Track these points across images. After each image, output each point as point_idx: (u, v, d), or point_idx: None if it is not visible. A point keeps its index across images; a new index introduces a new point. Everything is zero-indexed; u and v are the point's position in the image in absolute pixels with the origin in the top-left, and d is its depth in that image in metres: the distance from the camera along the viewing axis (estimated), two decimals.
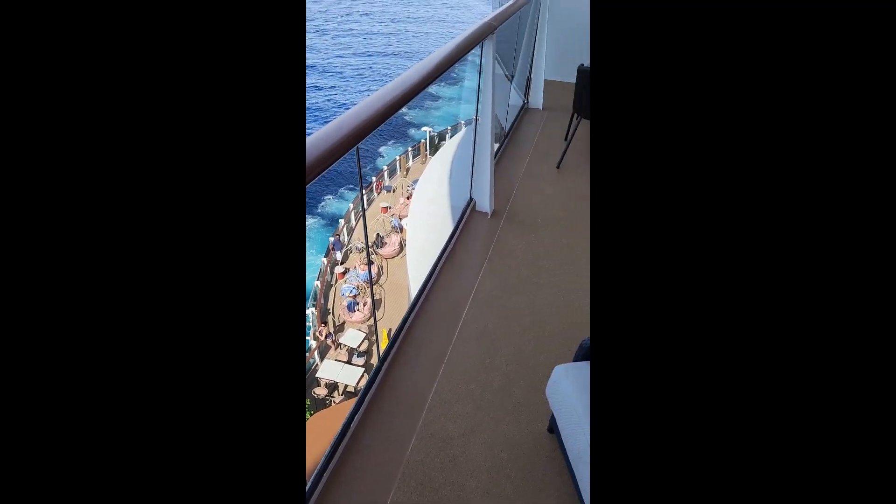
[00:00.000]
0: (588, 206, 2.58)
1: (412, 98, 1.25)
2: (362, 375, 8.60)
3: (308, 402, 8.34)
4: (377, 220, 11.87)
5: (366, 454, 1.38)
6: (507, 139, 3.32)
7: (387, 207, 12.25)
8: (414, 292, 2.00)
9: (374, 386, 1.56)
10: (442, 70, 1.50)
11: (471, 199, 2.50)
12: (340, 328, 9.84)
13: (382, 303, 9.36)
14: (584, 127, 3.37)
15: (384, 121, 1.10)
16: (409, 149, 14.67)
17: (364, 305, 10.06)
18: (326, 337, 9.43)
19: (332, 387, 8.69)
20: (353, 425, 1.43)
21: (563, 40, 4.01)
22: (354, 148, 0.98)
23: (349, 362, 9.08)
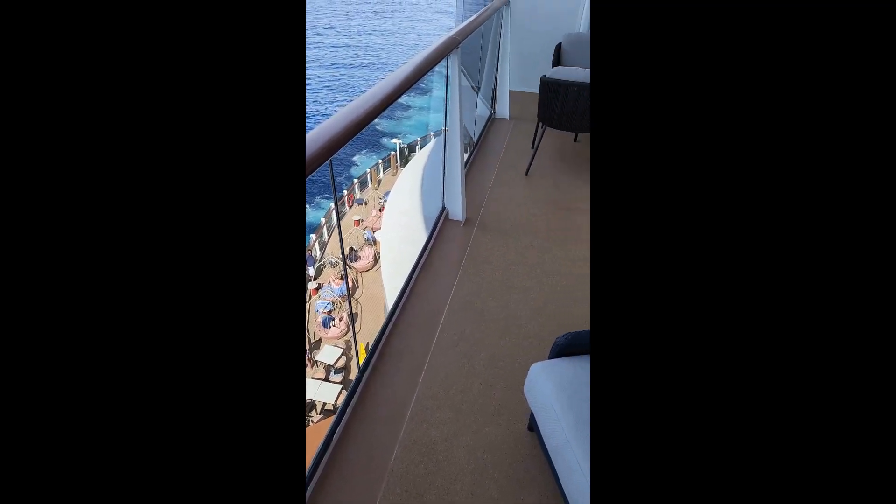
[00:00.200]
0: (556, 210, 2.67)
1: (384, 109, 1.29)
2: (340, 392, 8.45)
3: None
4: (350, 234, 11.78)
5: (349, 465, 1.37)
6: (476, 148, 3.39)
7: (359, 220, 12.18)
8: (391, 303, 2.01)
9: (355, 397, 1.56)
10: (411, 82, 1.54)
11: (443, 207, 2.54)
12: (316, 345, 9.66)
13: (359, 316, 9.25)
14: (550, 135, 3.49)
15: (359, 132, 1.12)
16: (380, 161, 14.68)
17: (340, 320, 9.92)
18: None
19: (310, 406, 8.49)
20: (335, 438, 1.43)
21: (526, 52, 4.15)
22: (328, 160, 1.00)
23: (326, 379, 8.90)
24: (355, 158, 19.69)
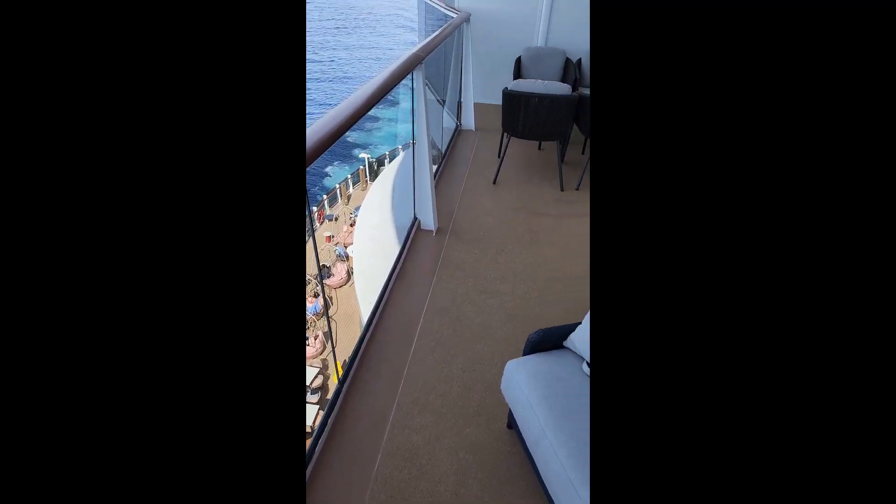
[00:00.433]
0: (524, 215, 2.76)
1: (355, 122, 1.33)
2: (318, 413, 8.26)
3: None
4: (322, 251, 11.62)
5: (334, 475, 1.38)
6: (444, 159, 3.47)
7: (330, 237, 12.04)
8: (366, 317, 2.03)
9: (335, 410, 1.57)
10: (378, 97, 1.59)
11: (415, 218, 2.59)
12: None
13: (335, 333, 9.10)
14: (515, 144, 3.60)
15: (332, 144, 1.16)
16: (349, 176, 14.61)
17: (315, 339, 9.73)
18: None
19: None
20: (317, 449, 1.43)
21: (487, 66, 4.29)
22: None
23: None
24: (328, 170, 19.68)
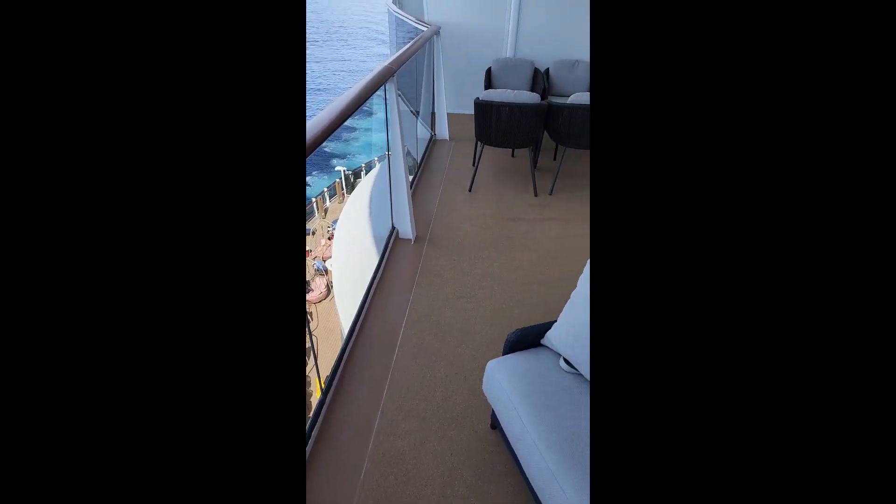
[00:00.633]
0: (500, 221, 2.82)
1: (332, 133, 1.36)
2: None
3: None
4: None
5: (320, 483, 1.37)
6: (420, 169, 3.51)
7: (309, 251, 11.91)
8: (347, 328, 2.03)
9: (320, 418, 1.56)
10: (353, 109, 1.62)
11: (393, 228, 2.61)
12: None
13: (317, 348, 8.96)
14: (489, 152, 3.68)
15: (311, 154, 1.18)
16: (325, 189, 14.51)
17: None
18: None
19: None
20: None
21: (459, 77, 4.39)
22: None
23: None
24: (308, 180, 19.59)
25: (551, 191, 3.21)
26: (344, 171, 14.72)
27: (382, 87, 2.23)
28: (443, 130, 4.14)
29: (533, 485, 1.15)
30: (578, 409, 1.16)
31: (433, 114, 4.19)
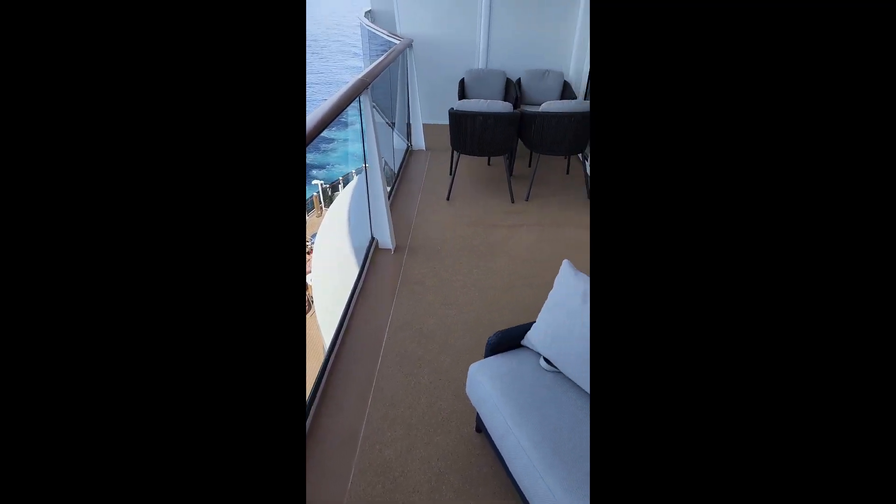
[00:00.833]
0: (478, 228, 2.86)
1: (310, 142, 1.37)
2: None
3: None
4: None
5: (307, 495, 1.36)
6: (398, 180, 3.54)
7: None
8: (328, 341, 2.03)
9: (306, 430, 1.55)
10: (328, 121, 1.64)
11: (372, 238, 2.62)
12: None
13: None
14: (465, 161, 3.74)
15: None
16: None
17: None
18: None
19: None
20: None
21: (433, 88, 4.45)
22: None
23: None
24: None
25: (527, 197, 3.28)
26: (321, 184, 14.60)
27: (357, 100, 2.26)
28: (419, 141, 4.18)
29: (519, 484, 1.17)
30: (560, 406, 1.19)
31: (409, 125, 4.24)
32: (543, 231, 2.87)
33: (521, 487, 1.16)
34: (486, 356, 1.39)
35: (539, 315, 1.36)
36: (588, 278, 1.26)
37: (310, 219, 13.85)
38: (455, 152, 3.30)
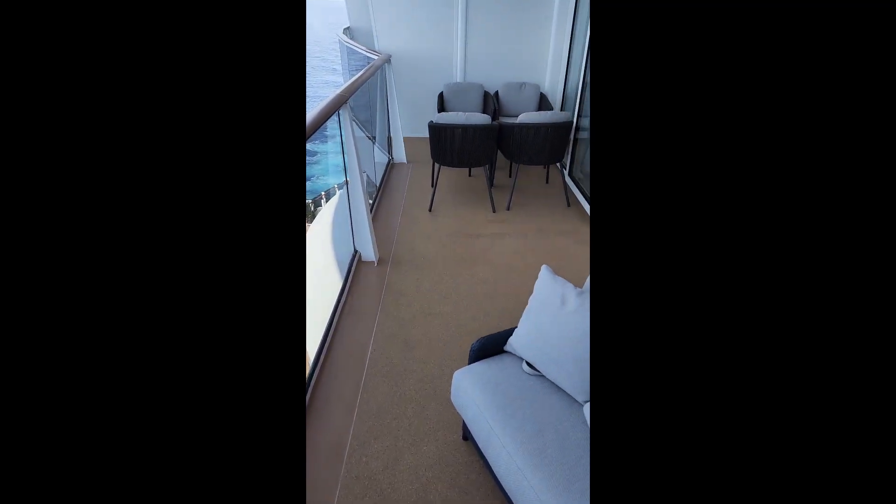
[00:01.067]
0: (460, 238, 2.89)
1: None
2: None
3: None
4: None
5: None
6: (380, 192, 3.56)
7: None
8: (314, 353, 2.02)
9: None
10: (309, 135, 1.66)
11: (355, 251, 2.63)
12: None
13: None
14: (446, 172, 3.79)
15: None
16: None
17: None
18: None
19: None
20: None
21: (413, 102, 4.52)
22: None
23: None
24: None
25: (508, 206, 3.33)
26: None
27: (337, 114, 2.28)
28: (400, 154, 4.22)
29: (504, 486, 1.18)
30: (542, 408, 1.21)
31: (390, 138, 4.28)
32: (526, 239, 2.92)
33: (505, 489, 1.17)
34: (470, 363, 1.41)
35: (520, 320, 1.39)
36: (566, 282, 1.29)
37: None
38: (436, 164, 3.34)
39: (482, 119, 3.02)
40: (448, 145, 3.10)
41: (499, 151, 3.38)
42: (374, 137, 4.20)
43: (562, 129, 3.12)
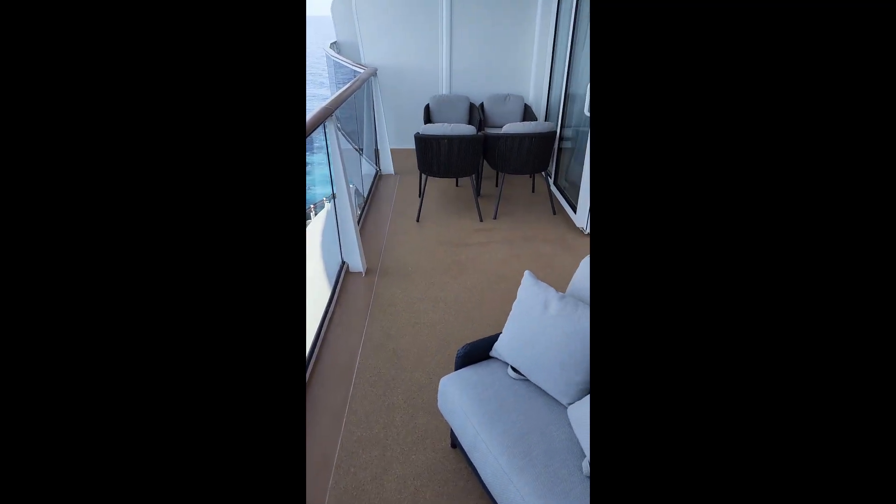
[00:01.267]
0: (448, 247, 2.91)
1: None
2: None
3: None
4: None
5: None
6: (367, 204, 3.58)
7: None
8: None
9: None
10: None
11: (343, 262, 2.63)
12: None
13: None
14: (433, 183, 3.82)
15: None
16: None
17: None
18: None
19: None
20: None
21: (399, 114, 4.57)
22: None
23: None
24: None
25: (495, 215, 3.37)
26: None
27: (322, 126, 2.30)
28: (387, 165, 4.25)
29: (490, 490, 1.18)
30: (528, 412, 1.22)
31: (377, 150, 4.31)
32: (512, 247, 2.95)
33: (492, 493, 1.18)
34: (457, 369, 1.42)
35: (505, 325, 1.40)
36: (548, 287, 1.32)
37: None
38: (423, 175, 3.37)
39: (467, 130, 3.07)
40: (434, 156, 3.14)
41: (485, 161, 3.42)
42: (362, 149, 4.23)
43: (545, 139, 3.18)
